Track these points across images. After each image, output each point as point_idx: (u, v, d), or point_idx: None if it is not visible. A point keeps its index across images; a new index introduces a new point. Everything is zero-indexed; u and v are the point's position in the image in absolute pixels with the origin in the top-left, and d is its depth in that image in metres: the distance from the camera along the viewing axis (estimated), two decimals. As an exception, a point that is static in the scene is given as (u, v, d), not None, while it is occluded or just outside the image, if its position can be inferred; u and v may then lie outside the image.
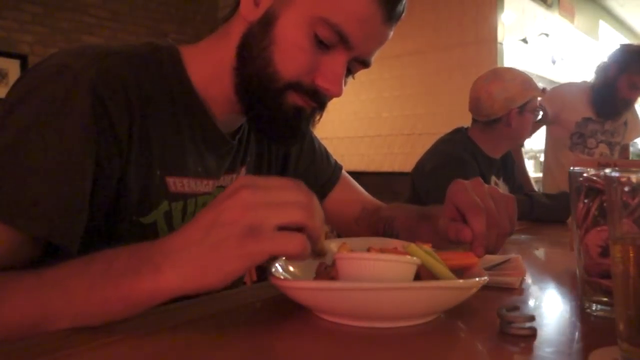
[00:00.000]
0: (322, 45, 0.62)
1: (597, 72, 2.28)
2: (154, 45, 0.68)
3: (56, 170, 0.53)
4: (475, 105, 1.67)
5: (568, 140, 2.34)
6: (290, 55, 0.62)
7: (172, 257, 0.42)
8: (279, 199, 0.43)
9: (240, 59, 0.65)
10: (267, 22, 0.63)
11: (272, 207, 0.42)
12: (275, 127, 0.68)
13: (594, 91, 2.28)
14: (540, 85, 1.67)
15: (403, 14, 0.66)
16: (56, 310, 0.44)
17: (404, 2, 0.64)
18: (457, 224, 0.60)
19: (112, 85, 0.59)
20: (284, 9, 0.62)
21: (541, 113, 1.68)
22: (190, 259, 0.42)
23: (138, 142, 0.61)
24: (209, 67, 0.68)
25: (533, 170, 4.33)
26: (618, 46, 2.26)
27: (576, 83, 2.44)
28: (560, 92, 2.38)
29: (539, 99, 1.65)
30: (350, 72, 0.68)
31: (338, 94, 0.64)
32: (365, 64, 0.67)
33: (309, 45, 0.62)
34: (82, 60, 0.59)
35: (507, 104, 1.60)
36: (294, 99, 0.65)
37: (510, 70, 1.71)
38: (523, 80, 1.63)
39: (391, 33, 0.66)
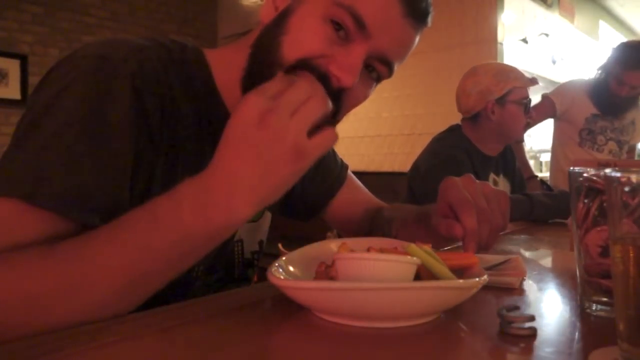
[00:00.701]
0: (339, 32, 0.60)
1: (597, 70, 2.29)
2: (179, 43, 0.67)
3: (103, 161, 0.53)
4: (457, 103, 1.67)
5: (577, 137, 2.33)
6: (299, 39, 0.60)
7: (239, 196, 0.47)
8: (296, 101, 0.48)
9: (250, 56, 0.64)
10: (282, 18, 0.62)
11: (298, 117, 0.47)
12: None
13: (592, 88, 2.29)
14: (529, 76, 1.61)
15: (428, 19, 0.64)
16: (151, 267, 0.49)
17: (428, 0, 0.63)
18: (448, 220, 0.60)
19: (149, 79, 0.58)
20: (300, 4, 0.61)
21: (531, 103, 1.63)
22: (256, 191, 0.48)
23: (167, 140, 0.61)
24: (231, 71, 0.66)
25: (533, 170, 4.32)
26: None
27: (584, 79, 2.43)
28: (571, 87, 2.37)
29: (542, 92, 1.61)
30: (374, 71, 0.65)
31: (348, 83, 0.60)
32: (388, 65, 0.64)
33: (323, 32, 0.60)
34: (120, 51, 0.58)
35: (482, 97, 1.58)
36: None
37: (488, 64, 1.68)
38: (498, 72, 1.59)
39: (416, 37, 0.64)
